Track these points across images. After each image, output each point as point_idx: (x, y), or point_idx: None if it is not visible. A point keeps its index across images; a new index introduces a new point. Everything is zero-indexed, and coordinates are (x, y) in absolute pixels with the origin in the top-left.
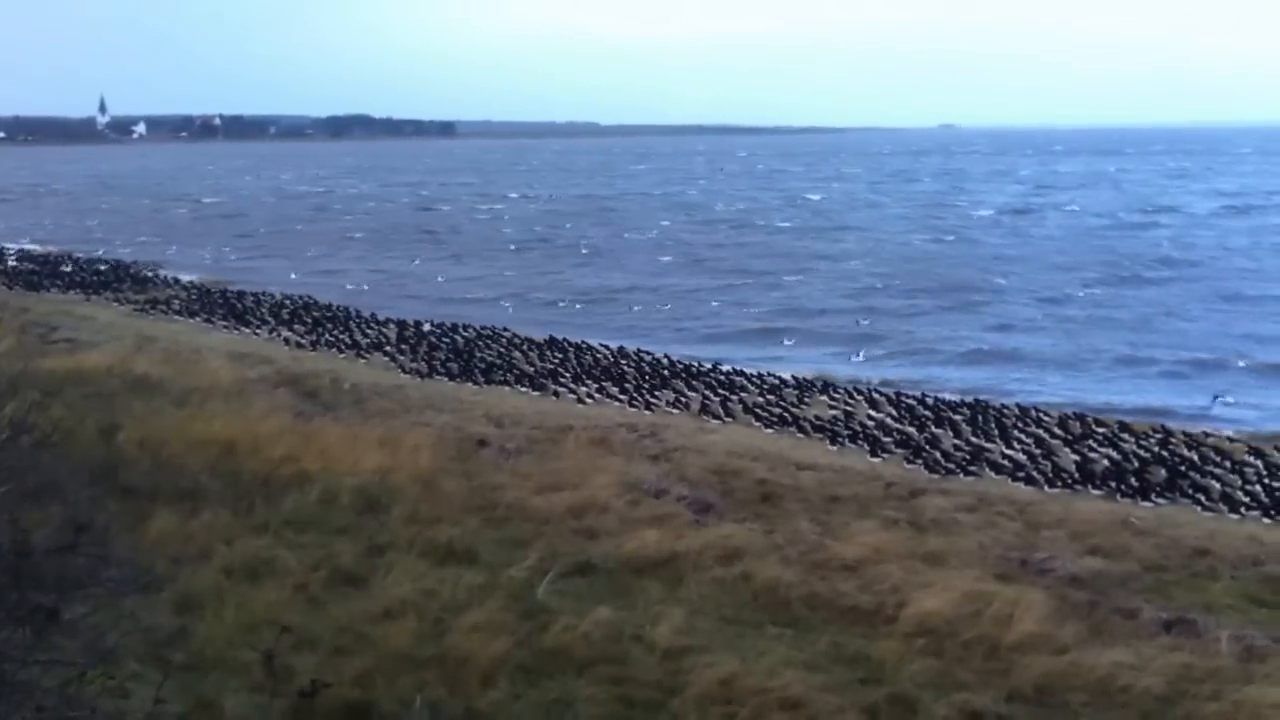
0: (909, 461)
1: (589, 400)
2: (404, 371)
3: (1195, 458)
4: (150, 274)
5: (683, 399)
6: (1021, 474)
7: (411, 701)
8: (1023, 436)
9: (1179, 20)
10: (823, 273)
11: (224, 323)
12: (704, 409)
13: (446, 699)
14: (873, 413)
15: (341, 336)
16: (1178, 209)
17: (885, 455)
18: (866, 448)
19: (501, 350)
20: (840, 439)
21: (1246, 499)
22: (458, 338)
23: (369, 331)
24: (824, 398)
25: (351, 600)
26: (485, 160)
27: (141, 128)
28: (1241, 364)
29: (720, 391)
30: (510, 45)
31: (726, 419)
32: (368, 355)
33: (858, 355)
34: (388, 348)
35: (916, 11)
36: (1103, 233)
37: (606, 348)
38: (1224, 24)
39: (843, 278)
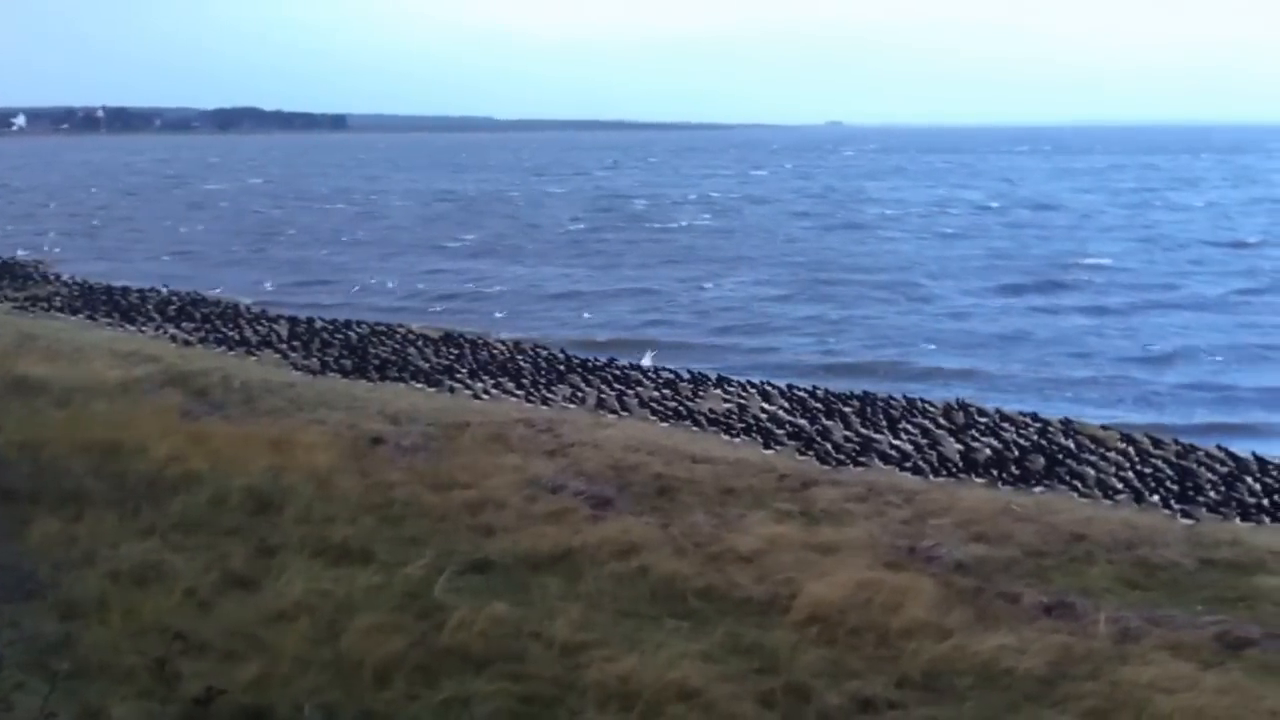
0: (801, 453)
1: (485, 396)
2: (295, 369)
3: (1072, 446)
4: (32, 270)
5: (579, 394)
6: (909, 464)
7: (306, 705)
8: (909, 428)
9: (1074, 15)
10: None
11: (108, 320)
12: (600, 404)
13: (342, 701)
14: (766, 405)
15: (231, 333)
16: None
17: (778, 447)
18: (760, 440)
19: (396, 346)
20: (735, 432)
21: (1120, 485)
22: (351, 334)
23: (259, 328)
24: (718, 391)
25: (243, 603)
26: (391, 155)
27: (21, 120)
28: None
29: (616, 386)
30: (405, 37)
31: (623, 413)
32: (258, 352)
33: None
34: (279, 344)
35: (809, 9)
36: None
37: (503, 343)
38: (1124, 19)
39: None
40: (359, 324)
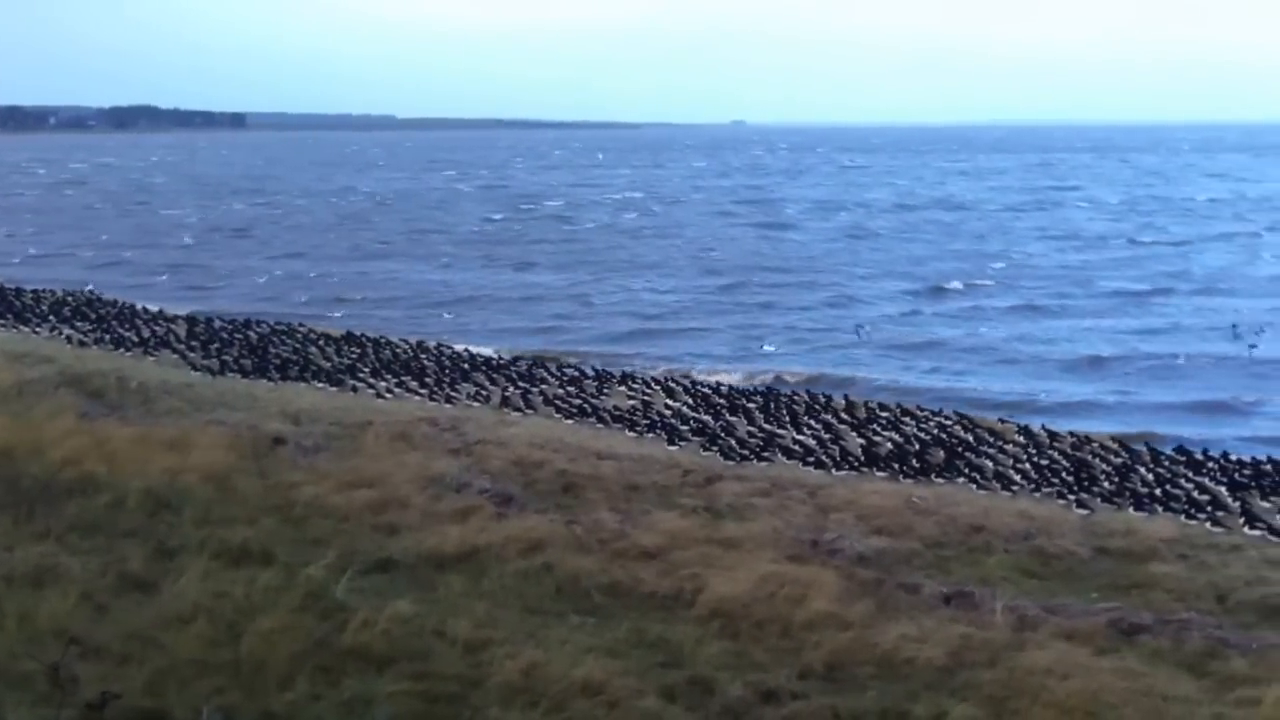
0: (705, 449)
1: (389, 395)
2: (194, 369)
3: (971, 439)
4: None
5: (484, 392)
6: (811, 459)
7: (204, 708)
8: (812, 422)
9: (976, 14)
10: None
11: (0, 322)
12: (505, 402)
13: (242, 703)
14: (670, 402)
15: (127, 334)
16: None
17: (683, 443)
18: (665, 436)
19: (297, 346)
20: (639, 428)
21: (1017, 477)
22: (251, 333)
23: (156, 328)
24: (623, 388)
25: (141, 606)
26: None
27: None
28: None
29: (521, 384)
30: (306, 33)
31: (528, 411)
32: (155, 353)
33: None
34: (177, 344)
35: (710, 8)
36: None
37: (406, 342)
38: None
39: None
40: (259, 323)
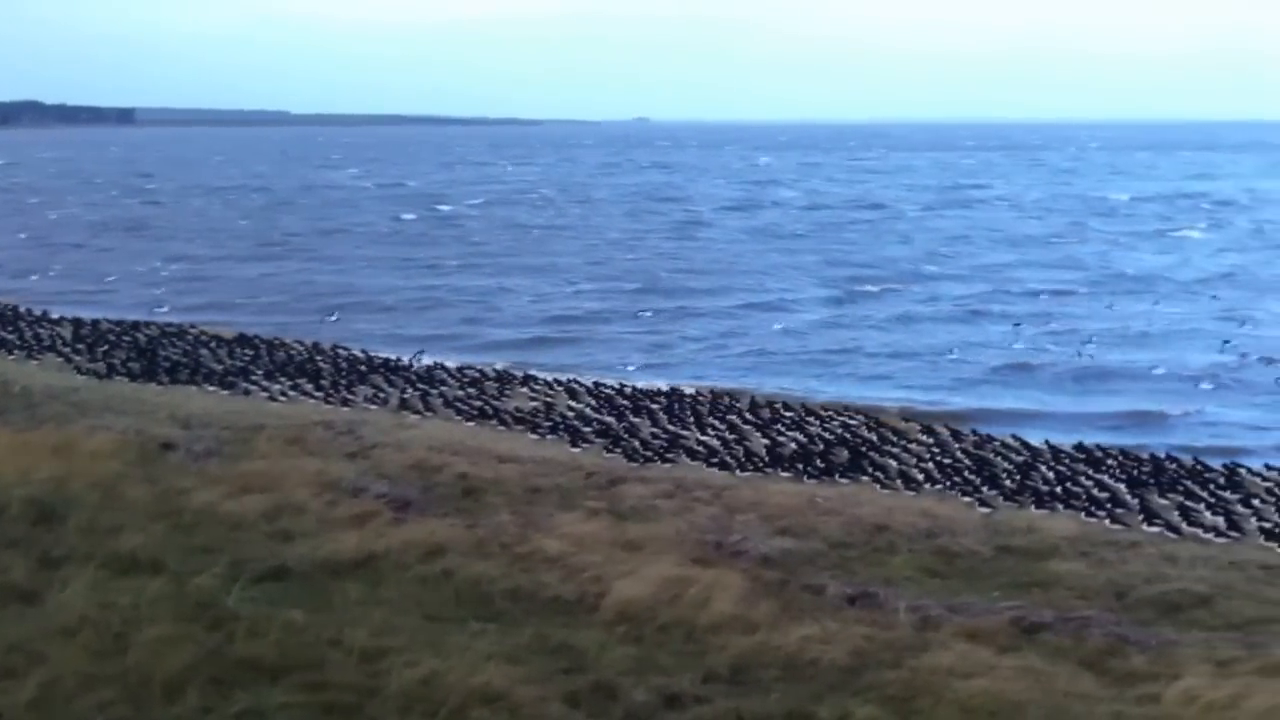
0: (609, 451)
1: (283, 398)
2: (80, 372)
3: (875, 439)
4: None
5: (381, 394)
6: (716, 459)
7: None
8: (716, 423)
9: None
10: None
11: None
12: (403, 404)
13: (130, 717)
14: (573, 403)
15: (10, 336)
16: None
17: (585, 445)
18: (567, 438)
19: (188, 348)
20: (541, 430)
21: (920, 476)
22: (140, 335)
23: (40, 331)
24: (525, 390)
25: (24, 618)
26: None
27: None
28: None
29: (420, 386)
30: (198, 27)
31: (427, 413)
32: (40, 356)
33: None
34: (62, 347)
35: (612, 5)
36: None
37: (301, 343)
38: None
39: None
40: (148, 325)
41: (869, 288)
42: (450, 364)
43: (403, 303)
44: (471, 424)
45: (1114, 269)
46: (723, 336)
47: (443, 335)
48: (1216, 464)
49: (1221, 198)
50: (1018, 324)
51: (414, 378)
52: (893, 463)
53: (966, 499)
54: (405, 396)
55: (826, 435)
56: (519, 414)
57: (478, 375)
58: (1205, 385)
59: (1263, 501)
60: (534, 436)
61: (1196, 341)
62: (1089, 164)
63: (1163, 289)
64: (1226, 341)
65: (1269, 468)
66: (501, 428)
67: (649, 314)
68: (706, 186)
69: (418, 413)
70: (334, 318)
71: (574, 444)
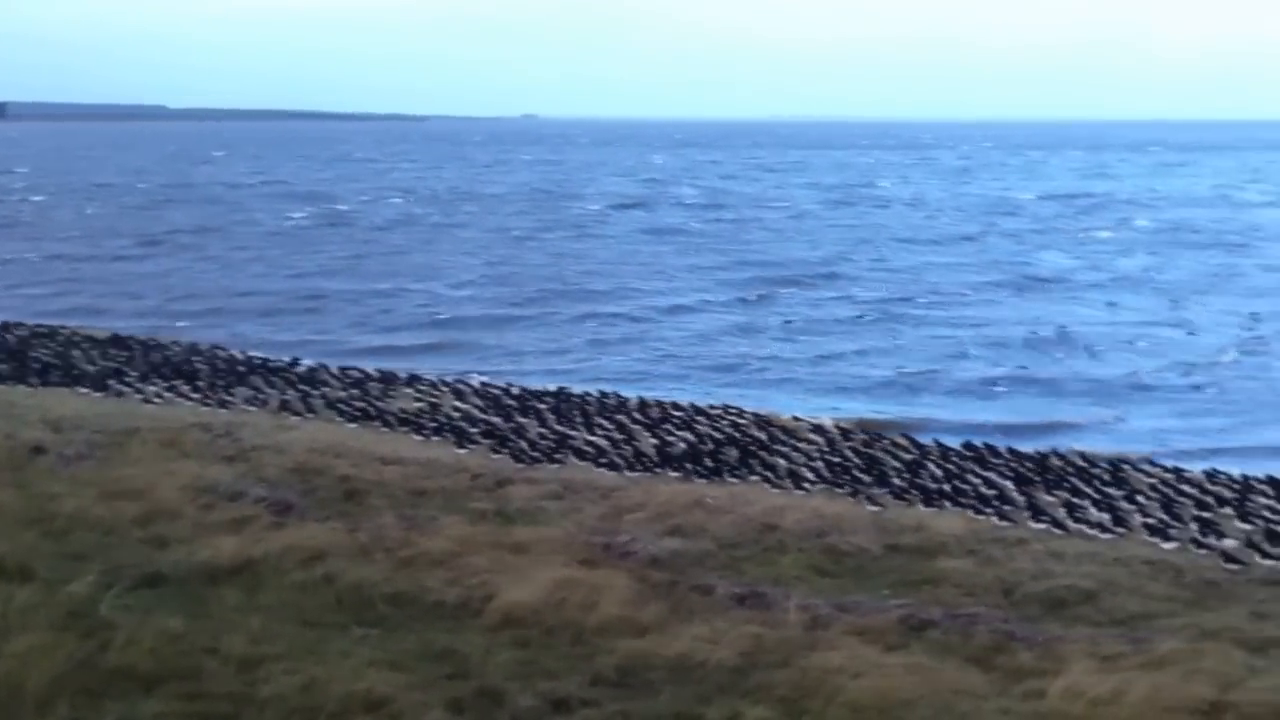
0: (495, 451)
1: (158, 400)
2: None
3: (764, 437)
4: None
5: (261, 395)
6: (605, 460)
7: None
8: (605, 423)
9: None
10: None
11: None
12: (284, 405)
13: None
14: (459, 404)
15: None
16: None
17: (472, 446)
18: (453, 439)
19: (59, 349)
20: (426, 431)
21: (810, 474)
22: (9, 337)
23: None
24: (409, 390)
25: None
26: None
27: None
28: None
29: (301, 387)
30: (71, 18)
31: (308, 415)
32: None
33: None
34: None
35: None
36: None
37: (177, 344)
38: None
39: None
40: (18, 326)
41: (777, 289)
42: (333, 365)
43: (288, 303)
44: (354, 425)
45: (1026, 270)
46: (624, 342)
47: (328, 338)
48: (1103, 462)
49: (1124, 197)
50: (926, 327)
51: (295, 378)
52: (782, 461)
53: (855, 497)
54: (286, 398)
55: (716, 434)
56: (403, 415)
57: (361, 376)
58: (1122, 390)
59: (1147, 498)
60: (419, 438)
61: (1114, 344)
62: (985, 163)
63: (1075, 290)
64: (1140, 344)
65: (1153, 464)
66: (385, 429)
67: (548, 315)
68: (605, 184)
69: (298, 414)
70: (213, 319)
71: (460, 445)
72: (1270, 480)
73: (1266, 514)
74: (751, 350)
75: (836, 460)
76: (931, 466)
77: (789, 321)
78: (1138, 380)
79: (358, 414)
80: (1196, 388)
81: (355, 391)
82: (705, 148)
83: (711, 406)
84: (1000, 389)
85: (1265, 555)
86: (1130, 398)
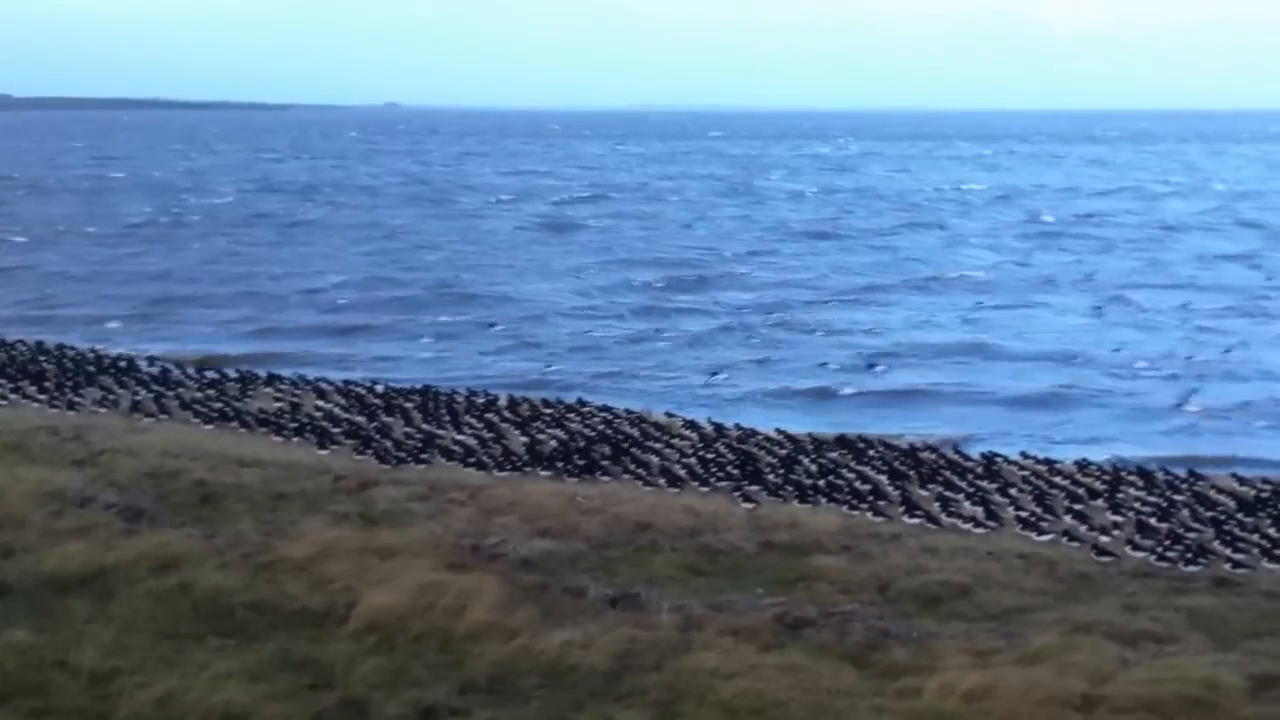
0: (359, 452)
1: (2, 402)
2: None
3: (637, 434)
4: None
5: (112, 396)
6: (473, 459)
7: None
8: (474, 421)
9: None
10: None
11: None
12: (136, 406)
13: None
14: (321, 403)
15: None
16: None
17: (334, 447)
18: (314, 440)
19: None
20: (287, 432)
21: (684, 472)
22: None
23: None
24: (269, 390)
25: None
26: None
27: None
28: None
29: (154, 387)
30: None
31: (162, 416)
32: None
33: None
34: None
35: None
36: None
37: (23, 343)
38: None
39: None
40: None
41: (670, 290)
42: (189, 365)
43: (149, 302)
44: (211, 427)
45: (929, 270)
46: (501, 351)
47: (189, 335)
48: (975, 454)
49: (1008, 189)
50: (813, 332)
51: (148, 379)
52: (655, 459)
53: (730, 495)
54: (138, 399)
55: (588, 432)
56: (263, 415)
57: (218, 376)
58: (1023, 400)
59: (1019, 491)
60: (279, 439)
61: (1020, 349)
62: (866, 154)
63: (979, 289)
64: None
65: (1025, 456)
66: (244, 430)
67: (421, 315)
68: (483, 175)
69: (152, 416)
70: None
71: (322, 446)
72: (1140, 471)
73: (1137, 505)
74: (643, 356)
75: (711, 457)
76: (806, 462)
77: (678, 324)
78: (1051, 388)
79: (215, 415)
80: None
81: (212, 392)
82: (583, 139)
83: (583, 403)
84: (890, 404)
85: (1136, 547)
86: (1038, 408)
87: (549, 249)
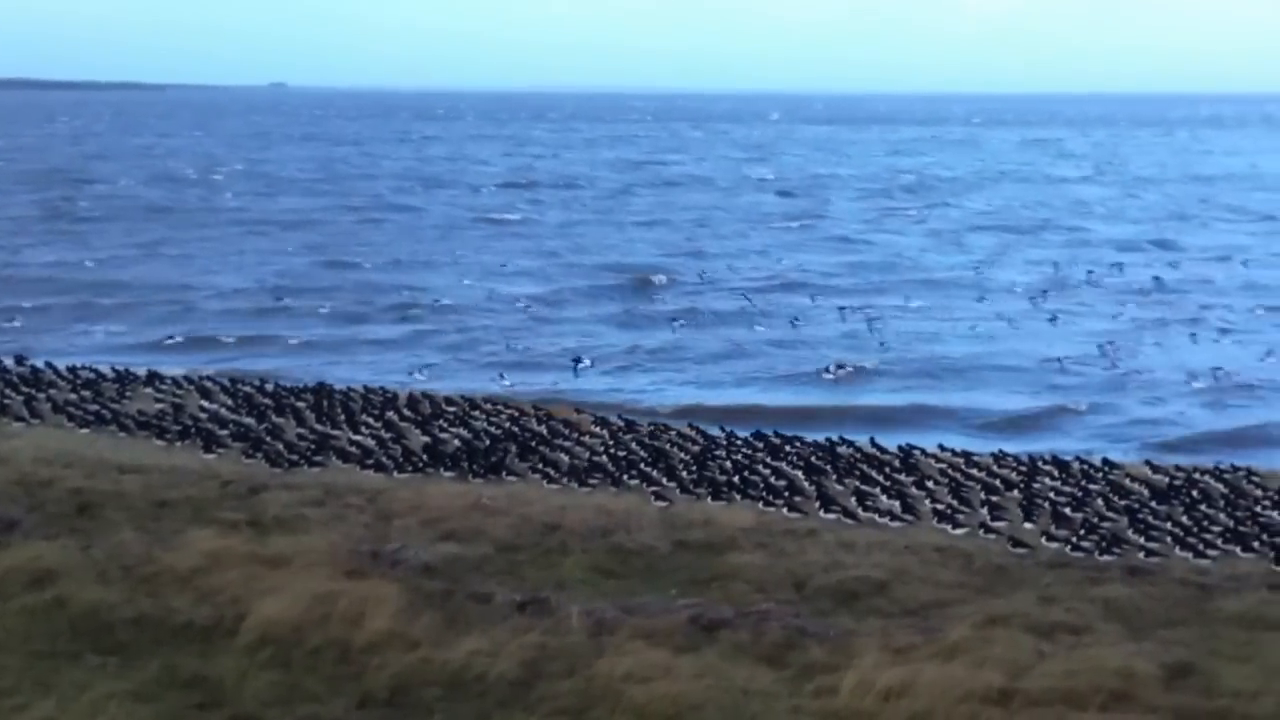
0: (248, 455)
1: None
2: None
3: (545, 431)
4: None
5: None
6: (371, 461)
7: None
8: (371, 421)
9: None
10: None
11: None
12: (2, 409)
13: None
14: (206, 404)
15: None
16: None
17: (221, 450)
18: (200, 443)
19: None
20: (170, 435)
21: (594, 471)
22: None
23: None
24: (149, 390)
25: None
26: None
27: None
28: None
29: (24, 389)
30: None
31: (33, 420)
32: None
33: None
34: None
35: None
36: None
37: None
38: None
39: None
40: None
41: (600, 282)
42: (61, 364)
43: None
44: (87, 431)
45: (878, 259)
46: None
47: (69, 331)
48: (892, 446)
49: (931, 174)
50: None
51: (16, 379)
52: (564, 457)
53: (642, 493)
54: (5, 401)
55: (493, 430)
56: (143, 418)
57: (94, 376)
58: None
59: (936, 483)
60: (161, 443)
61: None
62: (785, 139)
63: (913, 280)
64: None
65: (942, 448)
66: (123, 434)
67: (336, 310)
68: (390, 162)
69: (21, 419)
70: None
71: (208, 449)
72: (1055, 460)
73: (1053, 495)
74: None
75: (622, 454)
76: (720, 457)
77: (600, 314)
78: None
79: (91, 418)
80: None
81: (88, 393)
82: (481, 121)
83: (487, 400)
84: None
85: (1051, 538)
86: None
87: (478, 239)
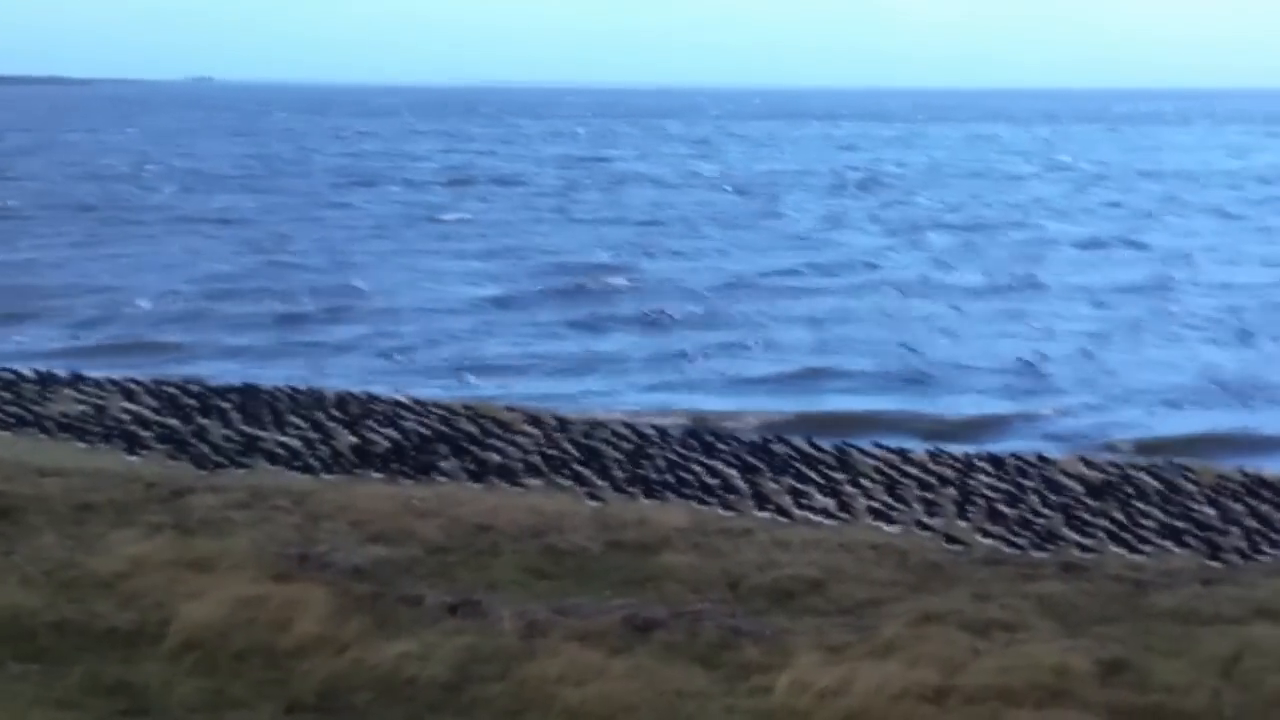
0: (173, 457)
1: None
2: None
3: (477, 431)
4: None
5: None
6: (299, 462)
7: None
8: (299, 421)
9: None
10: None
11: None
12: None
13: None
14: (129, 405)
15: None
16: None
17: (145, 452)
18: (123, 445)
19: None
20: (92, 437)
21: (526, 471)
22: None
23: None
24: (71, 391)
25: None
26: None
27: None
28: None
29: None
30: None
31: None
32: None
33: None
34: None
35: None
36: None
37: None
38: None
39: None
40: None
41: (550, 283)
42: None
43: None
44: (7, 434)
45: (837, 258)
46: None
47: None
48: (828, 445)
49: (883, 171)
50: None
51: None
52: (496, 457)
53: (575, 492)
54: None
55: (423, 430)
56: (64, 419)
57: (13, 378)
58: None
59: (871, 481)
60: (83, 445)
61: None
62: (728, 135)
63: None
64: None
65: (878, 445)
66: (43, 436)
67: (274, 315)
68: (325, 158)
69: None
70: None
71: (131, 451)
72: (990, 458)
73: (988, 492)
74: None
75: (554, 453)
76: (654, 455)
77: (550, 321)
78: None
79: (11, 420)
80: None
81: (7, 395)
82: (421, 116)
83: (417, 401)
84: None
85: (986, 534)
86: None
87: (423, 242)
